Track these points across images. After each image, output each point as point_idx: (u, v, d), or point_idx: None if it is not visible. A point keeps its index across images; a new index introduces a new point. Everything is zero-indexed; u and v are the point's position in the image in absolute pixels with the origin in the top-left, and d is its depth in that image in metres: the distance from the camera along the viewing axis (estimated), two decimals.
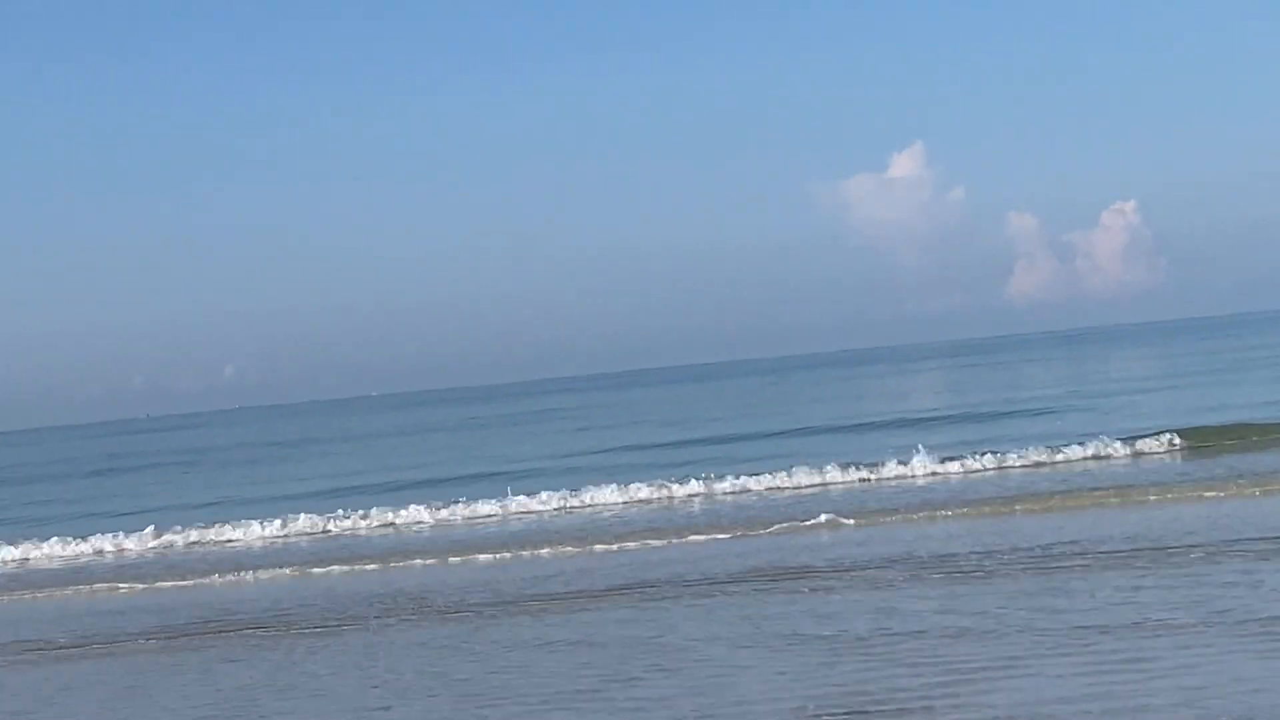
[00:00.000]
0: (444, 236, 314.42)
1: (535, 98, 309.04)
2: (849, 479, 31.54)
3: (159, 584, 25.16)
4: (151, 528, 32.62)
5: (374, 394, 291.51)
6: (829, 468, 32.14)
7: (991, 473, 30.79)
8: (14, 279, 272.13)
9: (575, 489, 32.36)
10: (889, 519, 24.38)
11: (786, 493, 30.53)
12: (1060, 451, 31.91)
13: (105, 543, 32.37)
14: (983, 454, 32.40)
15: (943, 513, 24.34)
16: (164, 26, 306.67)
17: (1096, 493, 25.26)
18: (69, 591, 25.43)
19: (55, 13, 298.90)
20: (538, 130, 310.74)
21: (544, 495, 32.21)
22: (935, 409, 55.98)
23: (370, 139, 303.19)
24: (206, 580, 25.02)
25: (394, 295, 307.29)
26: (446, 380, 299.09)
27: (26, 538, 33.32)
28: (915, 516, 24.30)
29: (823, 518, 24.50)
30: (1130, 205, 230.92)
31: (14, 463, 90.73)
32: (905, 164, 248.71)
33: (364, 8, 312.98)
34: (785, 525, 24.31)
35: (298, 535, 31.46)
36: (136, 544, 32.02)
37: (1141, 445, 32.20)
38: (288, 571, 24.99)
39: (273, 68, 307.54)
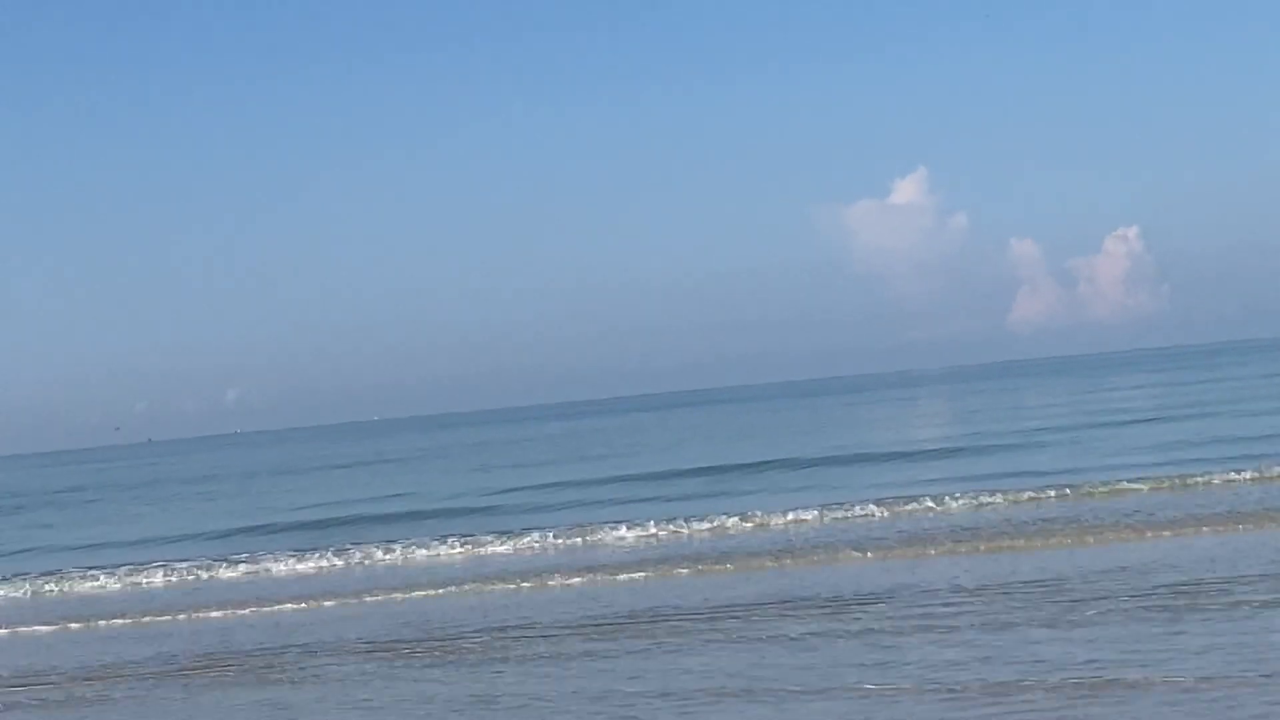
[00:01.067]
0: (447, 263, 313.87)
1: (537, 125, 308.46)
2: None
3: None
4: None
5: (375, 418, 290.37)
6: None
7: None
8: (20, 305, 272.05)
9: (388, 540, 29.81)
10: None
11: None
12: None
13: None
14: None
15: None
16: (174, 50, 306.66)
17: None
18: None
19: (76, 34, 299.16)
20: (538, 158, 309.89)
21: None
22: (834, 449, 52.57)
23: (373, 171, 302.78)
24: None
25: (397, 321, 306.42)
26: (452, 404, 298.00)
27: None
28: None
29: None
30: (1133, 231, 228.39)
31: None
32: (908, 190, 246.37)
33: (381, 43, 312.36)
34: None
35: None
36: None
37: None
38: None
39: (277, 98, 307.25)
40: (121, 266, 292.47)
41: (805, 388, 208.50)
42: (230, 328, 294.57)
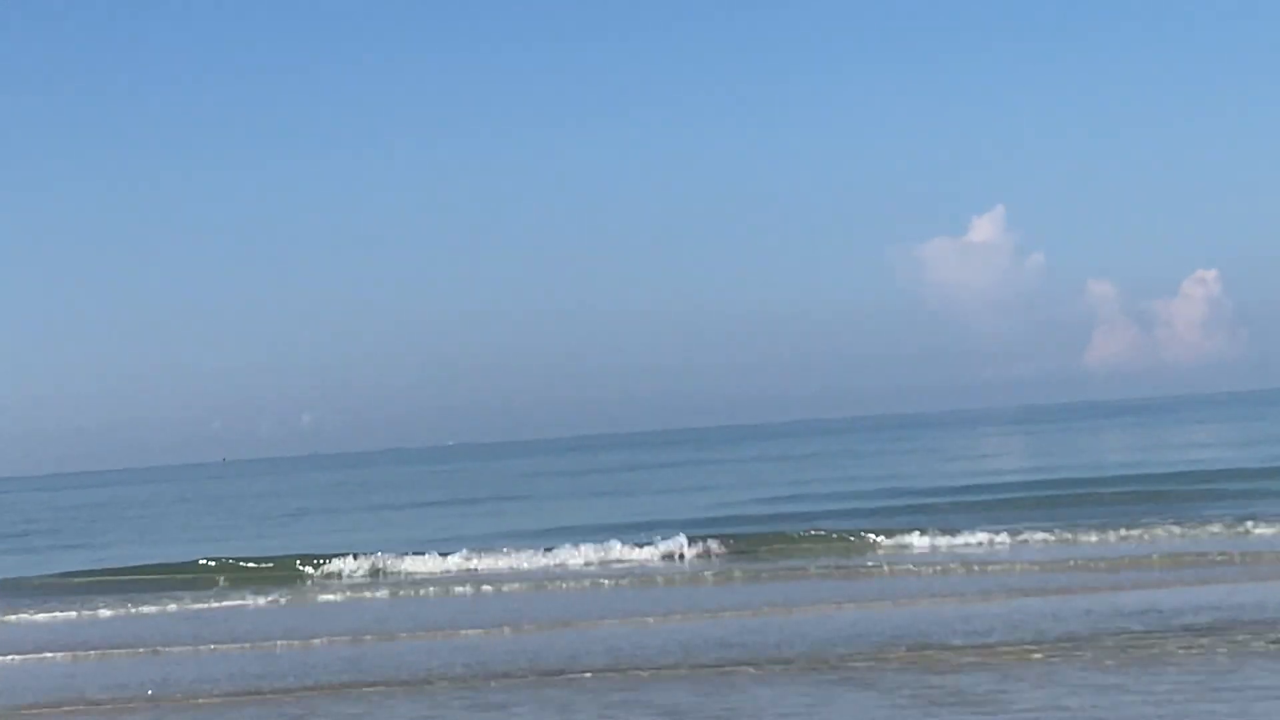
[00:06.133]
0: (521, 289, 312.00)
1: (613, 153, 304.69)
2: None
3: None
4: None
5: (450, 443, 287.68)
6: None
7: None
8: (98, 326, 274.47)
9: None
10: None
11: None
12: None
13: None
14: None
15: None
16: (224, 70, 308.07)
17: None
18: None
19: (145, 49, 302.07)
20: (613, 187, 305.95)
21: None
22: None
23: (440, 194, 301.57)
24: None
25: (472, 346, 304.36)
26: (533, 431, 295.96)
27: None
28: None
29: None
30: (1212, 274, 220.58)
31: None
32: (985, 228, 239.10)
33: (429, 65, 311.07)
34: None
35: None
36: None
37: None
38: None
39: (339, 124, 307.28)
40: (200, 289, 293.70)
41: (874, 422, 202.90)
42: (307, 352, 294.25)
